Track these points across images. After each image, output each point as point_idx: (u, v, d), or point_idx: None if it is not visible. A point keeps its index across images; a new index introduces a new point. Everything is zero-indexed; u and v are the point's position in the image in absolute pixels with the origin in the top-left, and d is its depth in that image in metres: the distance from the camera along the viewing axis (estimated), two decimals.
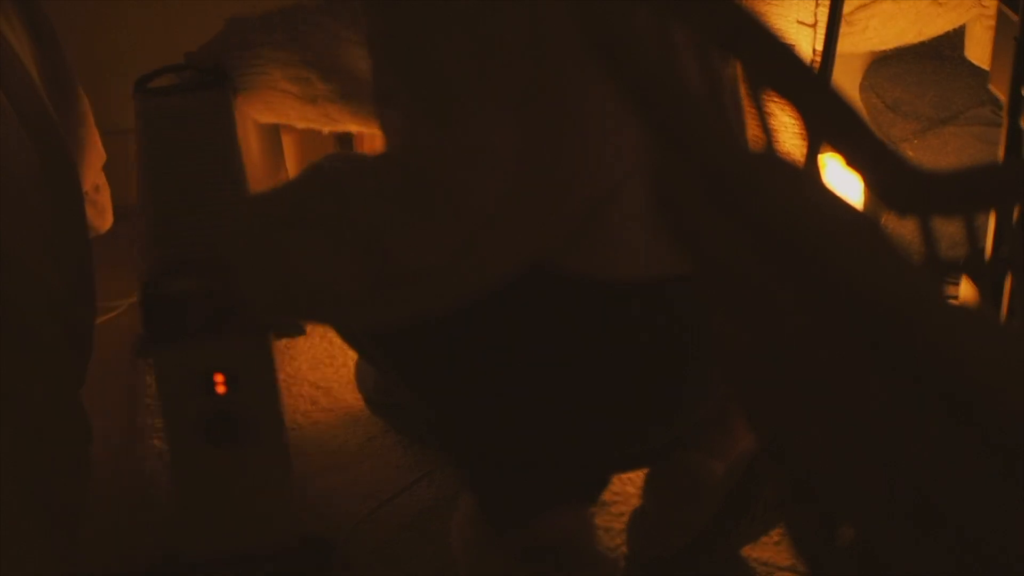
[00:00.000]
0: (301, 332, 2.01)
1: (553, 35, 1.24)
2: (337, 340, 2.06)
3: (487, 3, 1.25)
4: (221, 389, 1.39)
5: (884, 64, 2.25)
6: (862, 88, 2.26)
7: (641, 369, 1.40)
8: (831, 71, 1.80)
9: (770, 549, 1.65)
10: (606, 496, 1.70)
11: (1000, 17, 1.46)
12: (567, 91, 1.25)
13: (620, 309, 1.37)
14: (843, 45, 2.06)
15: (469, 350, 1.40)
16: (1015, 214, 0.92)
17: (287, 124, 1.81)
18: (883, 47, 2.16)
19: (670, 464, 1.56)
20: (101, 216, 1.94)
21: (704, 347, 1.40)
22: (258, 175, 1.65)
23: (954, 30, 2.09)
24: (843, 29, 1.98)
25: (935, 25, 2.07)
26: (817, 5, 2.15)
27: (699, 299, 0.73)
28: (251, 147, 1.69)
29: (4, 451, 1.13)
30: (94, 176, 1.93)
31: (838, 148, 0.71)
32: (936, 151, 2.14)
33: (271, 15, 1.75)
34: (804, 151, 0.73)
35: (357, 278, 1.27)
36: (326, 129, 1.80)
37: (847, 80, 2.29)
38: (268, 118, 1.79)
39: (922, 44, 2.13)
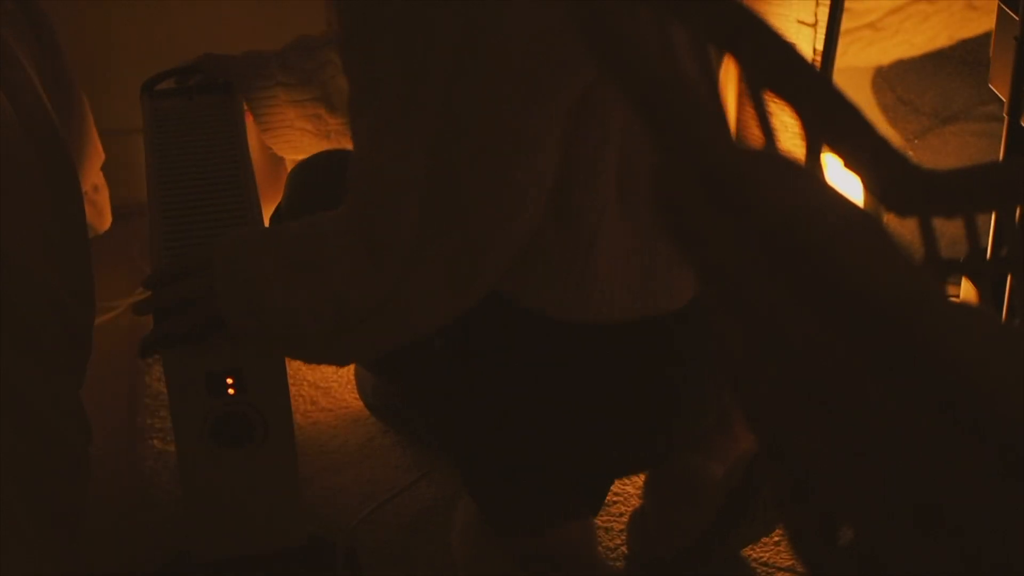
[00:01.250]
0: None
1: (489, 63, 1.19)
2: None
3: (418, 26, 1.20)
4: (231, 390, 1.39)
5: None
6: (874, 83, 2.25)
7: (637, 394, 1.40)
8: (831, 71, 1.80)
9: (770, 549, 1.65)
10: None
11: (1000, 17, 1.46)
12: (498, 123, 1.21)
13: (611, 344, 1.37)
14: (872, 54, 2.03)
15: (462, 363, 1.40)
16: (1015, 214, 0.92)
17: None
18: (913, 53, 2.12)
19: (670, 466, 1.56)
20: (100, 216, 1.94)
21: (701, 370, 1.40)
22: (257, 175, 1.65)
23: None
24: (871, 36, 1.95)
25: (967, 28, 2.04)
26: (817, 5, 2.15)
27: (700, 304, 0.72)
28: (251, 147, 1.69)
29: (4, 451, 1.13)
30: (93, 176, 1.93)
31: (838, 148, 0.71)
32: (936, 151, 2.14)
33: (282, 53, 1.75)
34: (804, 151, 0.73)
35: (319, 321, 1.27)
36: None
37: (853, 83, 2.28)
38: (292, 154, 1.79)
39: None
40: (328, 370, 1.99)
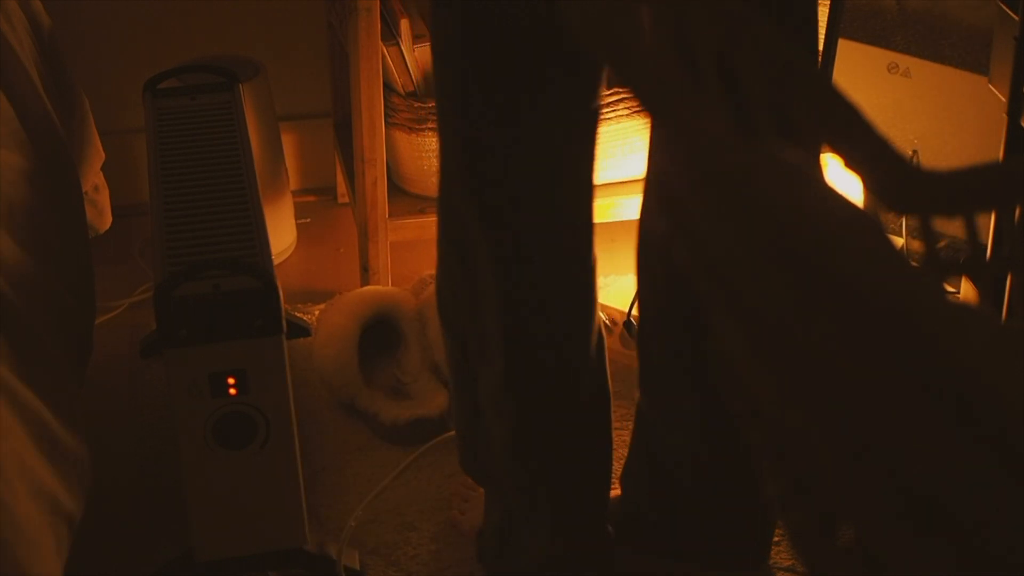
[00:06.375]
0: (307, 334, 2.02)
1: None
2: (337, 339, 2.06)
3: None
4: (233, 391, 1.39)
5: None
6: None
7: None
8: (831, 71, 1.80)
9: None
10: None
11: (1000, 17, 1.46)
12: None
13: None
14: None
15: None
16: (1015, 214, 0.92)
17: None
18: None
19: None
20: (100, 216, 1.95)
21: None
22: (259, 174, 1.65)
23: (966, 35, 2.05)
24: None
25: None
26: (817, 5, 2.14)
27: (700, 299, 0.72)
28: (253, 146, 1.69)
29: (5, 451, 1.13)
30: (93, 176, 1.94)
31: (837, 148, 0.71)
32: (936, 151, 2.14)
33: None
34: (804, 151, 0.73)
35: None
36: None
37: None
38: None
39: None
40: (328, 370, 1.99)
